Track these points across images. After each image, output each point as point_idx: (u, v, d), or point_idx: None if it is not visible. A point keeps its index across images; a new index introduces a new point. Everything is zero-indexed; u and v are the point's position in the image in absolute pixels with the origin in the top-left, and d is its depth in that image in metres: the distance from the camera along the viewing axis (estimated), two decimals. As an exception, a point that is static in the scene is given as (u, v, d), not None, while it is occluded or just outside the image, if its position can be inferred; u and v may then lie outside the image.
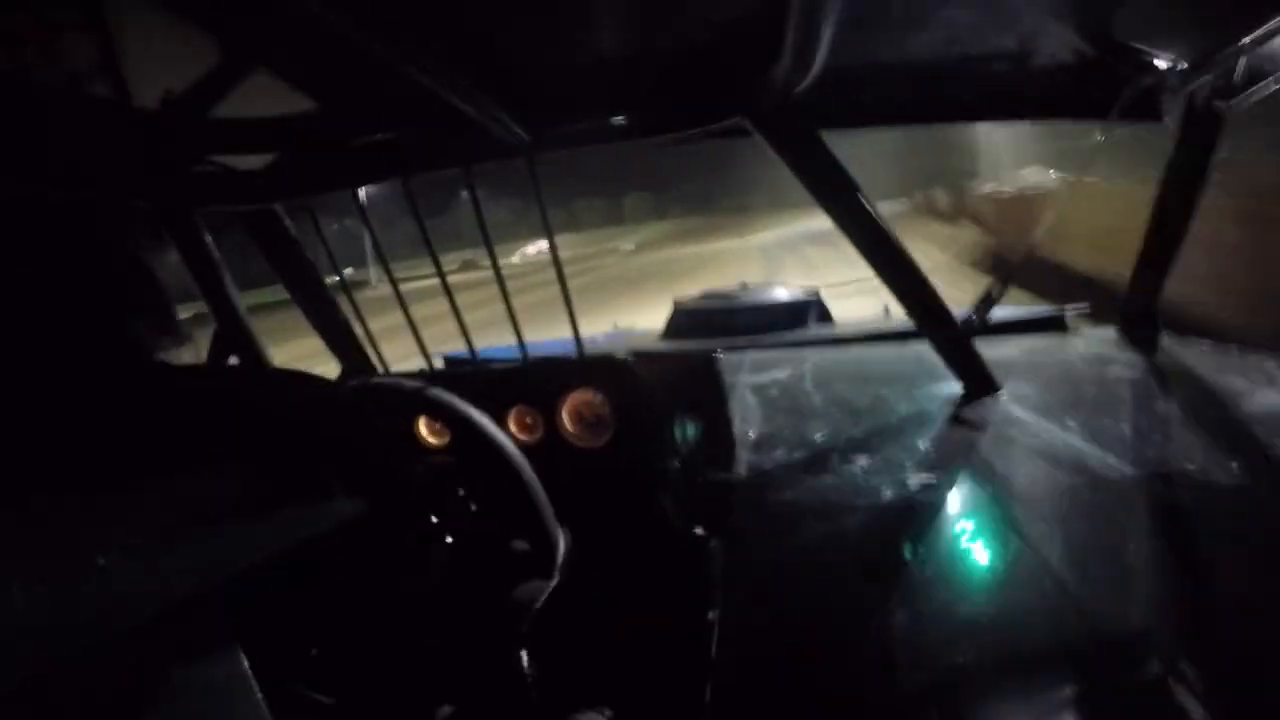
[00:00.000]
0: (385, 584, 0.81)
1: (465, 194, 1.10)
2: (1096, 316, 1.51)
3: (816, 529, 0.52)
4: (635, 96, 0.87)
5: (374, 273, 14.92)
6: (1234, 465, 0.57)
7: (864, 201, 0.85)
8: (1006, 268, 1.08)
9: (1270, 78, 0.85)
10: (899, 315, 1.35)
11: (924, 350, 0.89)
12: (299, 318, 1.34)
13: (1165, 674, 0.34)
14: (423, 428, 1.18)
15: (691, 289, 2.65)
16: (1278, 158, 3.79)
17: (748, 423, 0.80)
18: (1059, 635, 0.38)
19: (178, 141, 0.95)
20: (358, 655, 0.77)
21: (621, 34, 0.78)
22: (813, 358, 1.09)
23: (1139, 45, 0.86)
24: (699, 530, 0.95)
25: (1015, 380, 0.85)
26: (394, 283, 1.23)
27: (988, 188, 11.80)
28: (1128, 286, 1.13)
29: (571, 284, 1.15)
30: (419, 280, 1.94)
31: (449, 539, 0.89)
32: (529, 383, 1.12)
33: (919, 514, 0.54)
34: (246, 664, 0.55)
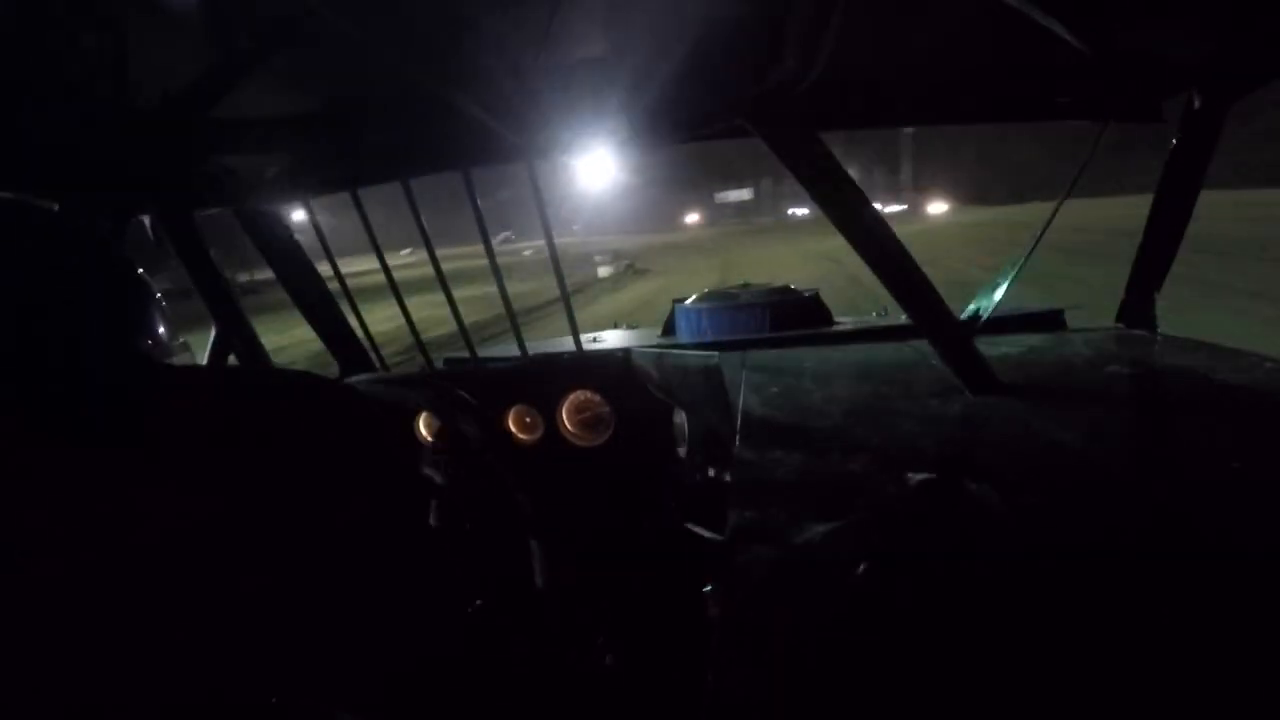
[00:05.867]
0: (387, 584, 0.82)
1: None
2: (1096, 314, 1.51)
3: (817, 529, 0.52)
4: (635, 98, 0.87)
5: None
6: (1231, 463, 0.57)
7: (863, 202, 0.85)
8: (1006, 267, 1.08)
9: (1269, 78, 0.85)
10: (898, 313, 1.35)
11: (923, 348, 0.89)
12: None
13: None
14: (423, 427, 1.18)
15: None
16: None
17: (747, 422, 0.80)
18: (1061, 633, 0.38)
19: (177, 142, 0.95)
20: (359, 656, 0.77)
21: (621, 37, 0.78)
22: (812, 357, 1.09)
23: (1139, 45, 0.86)
24: (699, 530, 0.95)
25: (1014, 378, 0.86)
26: (393, 284, 1.24)
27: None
28: (1126, 285, 1.14)
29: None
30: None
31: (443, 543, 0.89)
32: (529, 382, 1.13)
33: (919, 513, 0.54)
34: (247, 667, 0.55)
